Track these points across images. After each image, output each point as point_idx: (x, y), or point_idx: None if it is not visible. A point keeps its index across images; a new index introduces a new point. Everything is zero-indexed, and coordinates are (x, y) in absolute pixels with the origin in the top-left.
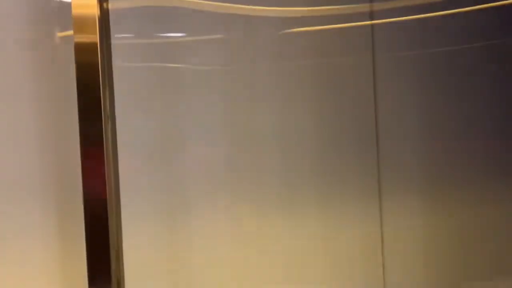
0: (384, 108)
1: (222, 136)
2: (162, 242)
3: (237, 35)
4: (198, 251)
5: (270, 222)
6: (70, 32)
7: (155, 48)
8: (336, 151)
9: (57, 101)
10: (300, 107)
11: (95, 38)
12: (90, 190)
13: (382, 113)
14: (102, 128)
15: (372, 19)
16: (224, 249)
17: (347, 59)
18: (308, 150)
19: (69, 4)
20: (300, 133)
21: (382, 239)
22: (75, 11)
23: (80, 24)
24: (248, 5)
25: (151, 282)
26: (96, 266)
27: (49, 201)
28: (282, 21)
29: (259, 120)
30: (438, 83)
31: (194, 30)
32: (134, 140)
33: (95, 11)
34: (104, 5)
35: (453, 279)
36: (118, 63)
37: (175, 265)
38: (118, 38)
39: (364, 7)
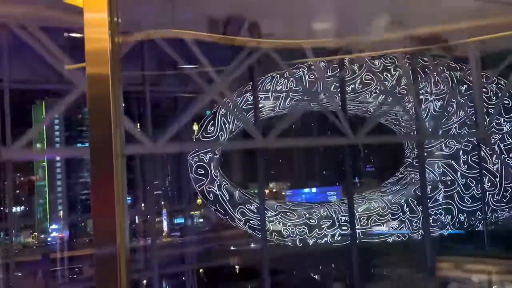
0: None
1: None
2: None
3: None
4: None
5: None
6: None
7: None
8: None
9: None
10: None
11: (107, 70)
12: (99, 223)
13: None
14: (112, 165)
15: None
16: None
17: None
18: None
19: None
20: None
21: None
22: (88, 44)
23: (93, 57)
24: None
25: None
26: None
27: None
28: None
29: None
30: None
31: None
32: None
33: (107, 45)
34: (116, 39)
35: None
36: None
37: None
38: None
39: None
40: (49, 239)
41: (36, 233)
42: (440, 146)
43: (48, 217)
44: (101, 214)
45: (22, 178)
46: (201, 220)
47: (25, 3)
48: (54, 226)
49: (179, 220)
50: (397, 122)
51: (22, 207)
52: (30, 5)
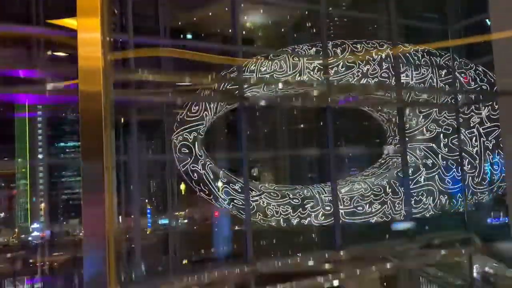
0: None
1: None
2: None
3: None
4: None
5: None
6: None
7: None
8: None
9: None
10: None
11: (99, 87)
12: (90, 234)
13: None
14: (103, 178)
15: None
16: None
17: None
18: None
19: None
20: None
21: None
22: (81, 62)
23: (86, 74)
24: None
25: None
26: None
27: None
28: None
29: None
30: None
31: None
32: None
33: (99, 63)
34: (108, 57)
35: None
36: None
37: None
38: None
39: None
40: (29, 238)
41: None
42: (421, 130)
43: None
44: (92, 229)
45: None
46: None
47: None
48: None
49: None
50: (379, 107)
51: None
52: None
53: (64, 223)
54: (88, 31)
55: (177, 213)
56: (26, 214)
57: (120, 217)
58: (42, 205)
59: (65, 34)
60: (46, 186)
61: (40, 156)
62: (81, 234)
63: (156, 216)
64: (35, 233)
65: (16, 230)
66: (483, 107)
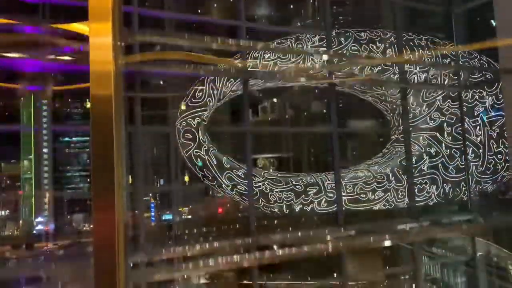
0: None
1: None
2: None
3: None
4: None
5: None
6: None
7: None
8: None
9: None
10: None
11: (111, 91)
12: (100, 238)
13: None
14: (113, 182)
15: None
16: None
17: None
18: None
19: None
20: None
21: None
22: (93, 66)
23: (97, 78)
24: None
25: None
26: None
27: None
28: None
29: None
30: None
31: None
32: None
33: (111, 67)
34: (119, 61)
35: None
36: None
37: None
38: None
39: None
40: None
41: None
42: (425, 119)
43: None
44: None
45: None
46: None
47: None
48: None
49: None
50: (383, 98)
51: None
52: None
53: (68, 217)
54: (100, 35)
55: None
56: (31, 209)
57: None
58: (47, 200)
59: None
60: (50, 181)
61: (45, 150)
62: (85, 228)
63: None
64: (39, 227)
65: (21, 223)
66: (487, 96)
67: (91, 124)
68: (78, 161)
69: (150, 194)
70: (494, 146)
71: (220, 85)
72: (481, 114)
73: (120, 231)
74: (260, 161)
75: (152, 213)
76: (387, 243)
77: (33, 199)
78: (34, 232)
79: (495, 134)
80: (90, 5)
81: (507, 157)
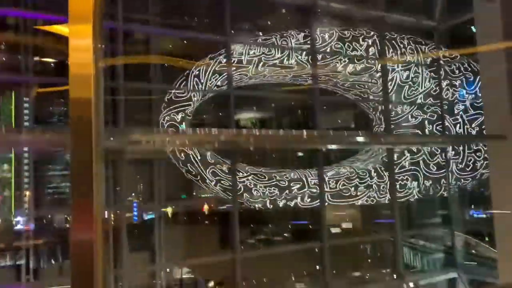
0: None
1: None
2: None
3: None
4: None
5: None
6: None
7: None
8: None
9: None
10: None
11: (90, 94)
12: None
13: None
14: (92, 188)
15: None
16: None
17: None
18: None
19: None
20: None
21: None
22: (72, 69)
23: (76, 81)
24: None
25: None
26: None
27: None
28: None
29: None
30: None
31: None
32: None
33: (91, 70)
34: (100, 64)
35: None
36: None
37: None
38: None
39: None
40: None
41: None
42: (407, 116)
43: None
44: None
45: None
46: None
47: None
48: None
49: None
50: (366, 96)
51: None
52: None
53: (49, 216)
54: (80, 37)
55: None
56: (10, 207)
57: None
58: (27, 198)
59: None
60: (31, 179)
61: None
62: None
63: None
64: (19, 226)
65: None
66: (467, 95)
67: (71, 128)
68: (60, 161)
69: (133, 194)
70: (473, 144)
71: (205, 80)
72: (461, 112)
73: (98, 236)
74: (243, 122)
75: (135, 213)
76: None
77: (12, 198)
78: (14, 231)
79: (474, 132)
80: (70, 6)
81: (485, 155)
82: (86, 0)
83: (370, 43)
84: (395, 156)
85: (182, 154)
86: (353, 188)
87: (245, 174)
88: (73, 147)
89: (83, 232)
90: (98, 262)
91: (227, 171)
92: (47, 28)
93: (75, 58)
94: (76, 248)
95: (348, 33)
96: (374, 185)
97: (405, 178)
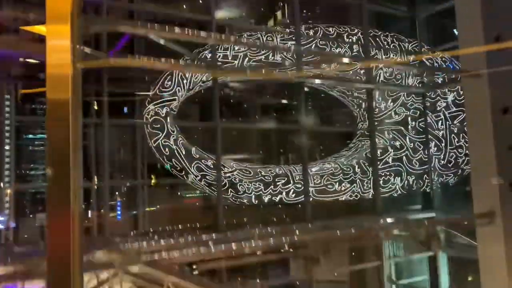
0: None
1: None
2: None
3: None
4: None
5: None
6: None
7: None
8: None
9: None
10: None
11: (68, 95)
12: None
13: None
14: (69, 187)
15: None
16: None
17: None
18: None
19: None
20: None
21: None
22: (50, 69)
23: (54, 82)
24: None
25: None
26: None
27: None
28: None
29: None
30: None
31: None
32: None
33: (68, 70)
34: (78, 65)
35: None
36: None
37: None
38: None
39: None
40: None
41: None
42: (390, 113)
43: None
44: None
45: None
46: None
47: None
48: None
49: None
50: (349, 93)
51: None
52: None
53: (31, 216)
54: (58, 38)
55: None
56: None
57: None
58: (7, 198)
59: None
60: (12, 178)
61: (7, 147)
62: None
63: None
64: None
65: None
66: (449, 92)
67: (47, 128)
68: (42, 158)
69: (117, 193)
70: (455, 140)
71: (190, 75)
72: (443, 109)
73: (75, 237)
74: None
75: (119, 212)
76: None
77: None
78: None
79: (456, 129)
80: (48, 7)
81: (467, 151)
82: (64, 0)
83: (354, 40)
84: (379, 152)
85: (167, 149)
86: (337, 184)
87: (230, 170)
88: (50, 149)
89: (60, 237)
90: (74, 263)
91: (212, 166)
92: (27, 28)
93: (53, 59)
94: (53, 257)
95: (332, 30)
96: (358, 180)
97: (388, 174)
